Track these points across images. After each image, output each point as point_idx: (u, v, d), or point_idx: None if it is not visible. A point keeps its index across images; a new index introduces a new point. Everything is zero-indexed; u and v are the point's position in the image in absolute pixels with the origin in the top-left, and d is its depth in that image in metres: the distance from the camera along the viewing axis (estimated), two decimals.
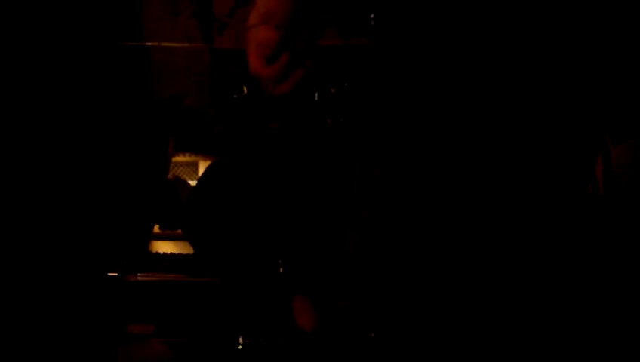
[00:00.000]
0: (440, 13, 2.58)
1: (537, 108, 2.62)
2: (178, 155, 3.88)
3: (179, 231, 3.43)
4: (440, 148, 2.53)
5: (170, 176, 3.73)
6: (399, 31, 2.57)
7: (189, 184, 3.42)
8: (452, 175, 2.53)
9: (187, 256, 3.33)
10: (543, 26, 2.63)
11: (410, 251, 2.55)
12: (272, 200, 2.83)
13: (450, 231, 2.53)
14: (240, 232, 2.89)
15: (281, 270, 2.83)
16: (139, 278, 3.21)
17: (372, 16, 2.52)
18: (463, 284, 2.53)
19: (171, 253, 3.41)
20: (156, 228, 3.55)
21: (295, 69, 2.43)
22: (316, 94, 2.71)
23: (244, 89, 3.85)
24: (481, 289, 2.54)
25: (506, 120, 2.59)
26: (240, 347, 2.86)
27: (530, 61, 2.62)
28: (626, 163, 2.75)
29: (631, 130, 2.76)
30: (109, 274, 3.18)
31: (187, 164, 3.88)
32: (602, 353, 2.58)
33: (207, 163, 3.88)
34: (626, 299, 2.63)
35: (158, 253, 3.44)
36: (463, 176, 2.54)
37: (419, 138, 2.54)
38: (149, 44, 4.00)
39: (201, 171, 3.87)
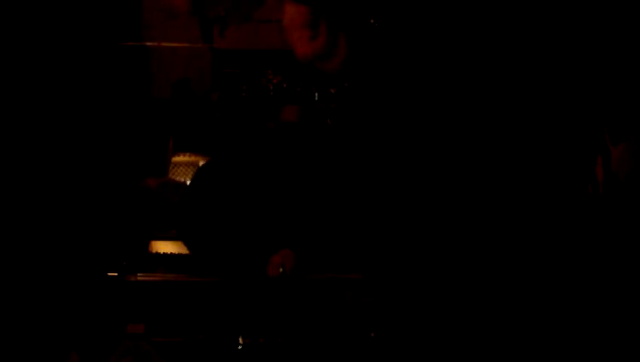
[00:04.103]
0: (441, 15, 2.58)
1: (537, 108, 2.62)
2: (178, 155, 3.88)
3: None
4: (439, 148, 2.52)
5: (164, 178, 3.72)
6: (400, 32, 2.57)
7: (183, 185, 3.40)
8: (452, 174, 2.53)
9: (187, 256, 3.33)
10: (543, 27, 2.63)
11: (409, 251, 2.55)
12: (268, 199, 2.83)
13: (450, 231, 2.52)
14: (235, 232, 2.89)
15: (280, 270, 2.83)
16: (139, 278, 3.21)
17: (372, 20, 2.53)
18: (463, 284, 2.53)
19: (171, 253, 3.41)
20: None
21: (338, 45, 2.51)
22: (316, 94, 2.71)
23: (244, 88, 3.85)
24: (481, 289, 2.54)
25: (506, 120, 2.59)
26: (240, 347, 2.86)
27: (530, 61, 2.62)
28: (626, 163, 2.75)
29: (631, 129, 2.76)
30: (109, 274, 3.18)
31: (187, 164, 3.88)
32: (602, 353, 2.58)
33: None
34: (626, 299, 2.63)
35: (158, 253, 3.43)
36: (463, 176, 2.54)
37: (418, 138, 2.53)
38: (149, 44, 4.00)
39: None
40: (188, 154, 3.89)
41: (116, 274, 3.18)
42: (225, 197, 2.91)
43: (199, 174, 3.13)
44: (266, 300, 2.88)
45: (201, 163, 3.85)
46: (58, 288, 3.15)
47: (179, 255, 3.38)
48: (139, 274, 3.21)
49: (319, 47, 2.51)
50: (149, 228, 3.47)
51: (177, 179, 3.85)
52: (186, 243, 3.21)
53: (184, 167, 3.88)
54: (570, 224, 2.61)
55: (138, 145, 3.75)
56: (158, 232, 3.46)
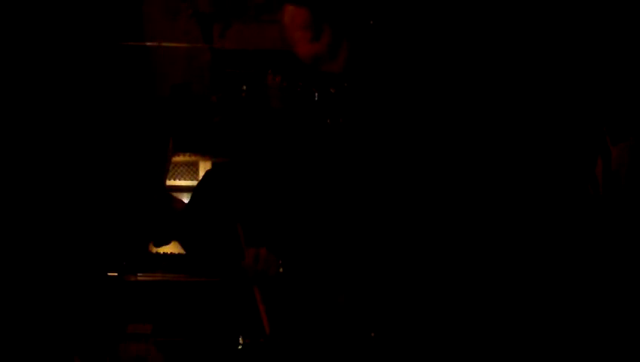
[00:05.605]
0: (440, 15, 2.58)
1: (537, 109, 2.62)
2: (178, 155, 3.87)
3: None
4: (439, 148, 2.53)
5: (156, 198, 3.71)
6: (398, 33, 2.57)
7: (178, 201, 3.38)
8: (452, 174, 2.53)
9: (187, 256, 3.32)
10: (543, 27, 2.63)
11: (409, 251, 2.55)
12: (270, 202, 2.83)
13: (450, 231, 2.53)
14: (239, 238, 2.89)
15: (281, 270, 2.82)
16: (139, 278, 3.21)
17: (371, 22, 2.53)
18: (463, 284, 2.54)
19: (171, 253, 3.41)
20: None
21: (341, 46, 2.51)
22: (316, 94, 2.71)
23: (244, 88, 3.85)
24: (481, 289, 2.54)
25: (506, 120, 2.59)
26: (240, 347, 2.86)
27: (530, 62, 2.62)
28: (626, 163, 2.75)
29: (631, 130, 2.76)
30: (109, 274, 3.18)
31: (187, 164, 3.87)
32: (602, 353, 2.59)
33: (207, 163, 3.87)
34: (626, 299, 2.63)
35: (157, 253, 3.43)
36: (463, 176, 2.54)
37: (418, 138, 2.54)
38: (149, 44, 4.00)
39: (201, 171, 3.87)
40: (188, 154, 3.88)
41: (116, 274, 3.18)
42: (231, 202, 2.91)
43: (203, 183, 3.12)
44: (266, 300, 2.88)
45: (201, 163, 3.85)
46: (59, 288, 3.15)
47: (179, 255, 3.38)
48: (139, 274, 3.21)
49: (322, 48, 2.52)
50: (149, 233, 3.47)
51: (177, 179, 3.85)
52: (187, 249, 3.21)
53: (184, 167, 3.88)
54: (571, 223, 2.61)
55: (138, 146, 3.75)
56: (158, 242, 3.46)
